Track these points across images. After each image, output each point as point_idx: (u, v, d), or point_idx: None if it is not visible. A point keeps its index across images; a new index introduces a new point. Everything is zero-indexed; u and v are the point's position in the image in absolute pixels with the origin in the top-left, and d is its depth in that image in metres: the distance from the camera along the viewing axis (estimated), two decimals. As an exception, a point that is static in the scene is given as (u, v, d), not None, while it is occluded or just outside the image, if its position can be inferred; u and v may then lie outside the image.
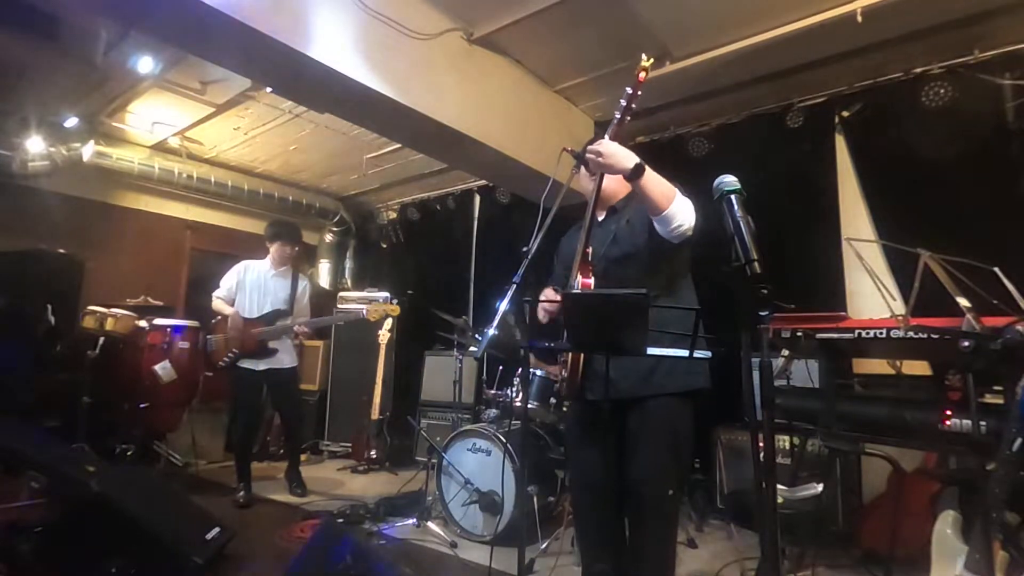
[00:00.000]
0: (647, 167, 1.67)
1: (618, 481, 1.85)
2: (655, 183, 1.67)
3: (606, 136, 1.74)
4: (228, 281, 3.84)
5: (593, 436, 1.92)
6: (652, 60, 1.68)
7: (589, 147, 1.72)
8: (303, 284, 4.00)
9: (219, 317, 3.78)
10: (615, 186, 1.92)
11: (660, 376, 1.81)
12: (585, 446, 1.95)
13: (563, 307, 1.65)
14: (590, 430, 1.94)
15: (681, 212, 1.67)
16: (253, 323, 3.71)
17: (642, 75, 1.68)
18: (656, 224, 1.71)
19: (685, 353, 1.48)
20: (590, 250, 1.85)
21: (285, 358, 3.78)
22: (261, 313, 3.75)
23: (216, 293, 3.84)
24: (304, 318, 3.91)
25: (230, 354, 3.65)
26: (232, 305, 3.77)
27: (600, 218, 1.98)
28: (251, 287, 3.82)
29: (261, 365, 3.68)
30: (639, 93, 1.71)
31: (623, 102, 1.72)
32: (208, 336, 3.81)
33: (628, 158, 1.67)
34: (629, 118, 1.76)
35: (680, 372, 1.81)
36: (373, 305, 3.78)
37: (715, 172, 1.38)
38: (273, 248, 3.88)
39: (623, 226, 1.90)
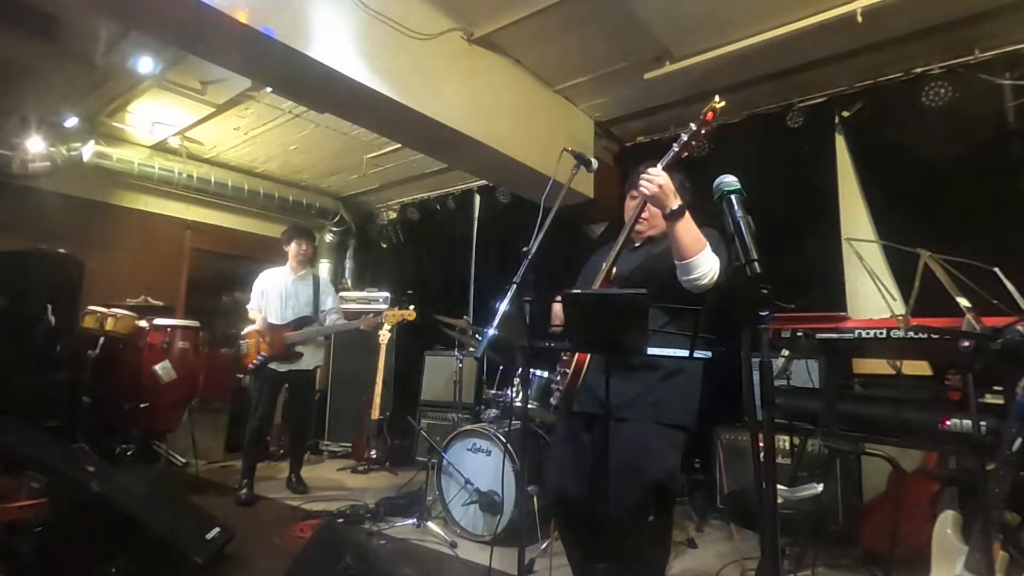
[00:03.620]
0: (687, 212, 1.70)
1: (595, 496, 1.84)
2: (688, 230, 1.71)
3: (659, 166, 1.74)
4: (255, 292, 3.98)
5: (573, 451, 1.95)
6: (723, 103, 1.66)
7: (645, 173, 1.73)
8: (323, 283, 4.14)
9: (251, 325, 3.90)
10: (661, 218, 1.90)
11: (647, 403, 1.82)
12: (564, 460, 1.98)
13: (564, 307, 1.66)
14: (572, 445, 1.96)
15: (704, 264, 1.71)
16: (280, 328, 3.84)
17: (710, 115, 1.67)
18: (678, 269, 1.74)
19: (685, 353, 1.48)
20: (615, 270, 1.88)
21: (309, 360, 3.91)
22: (287, 319, 3.89)
23: (249, 306, 3.99)
24: (336, 314, 4.08)
25: (259, 357, 3.77)
26: (261, 312, 3.92)
27: (636, 244, 2.01)
28: (275, 294, 3.96)
29: (284, 367, 3.81)
30: (703, 131, 1.71)
31: (684, 137, 1.72)
32: (240, 340, 3.93)
33: (675, 198, 1.70)
34: (686, 154, 1.77)
35: (668, 406, 1.83)
36: (391, 311, 3.85)
37: (715, 172, 1.38)
38: (292, 248, 4.01)
39: (653, 257, 1.92)
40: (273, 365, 3.79)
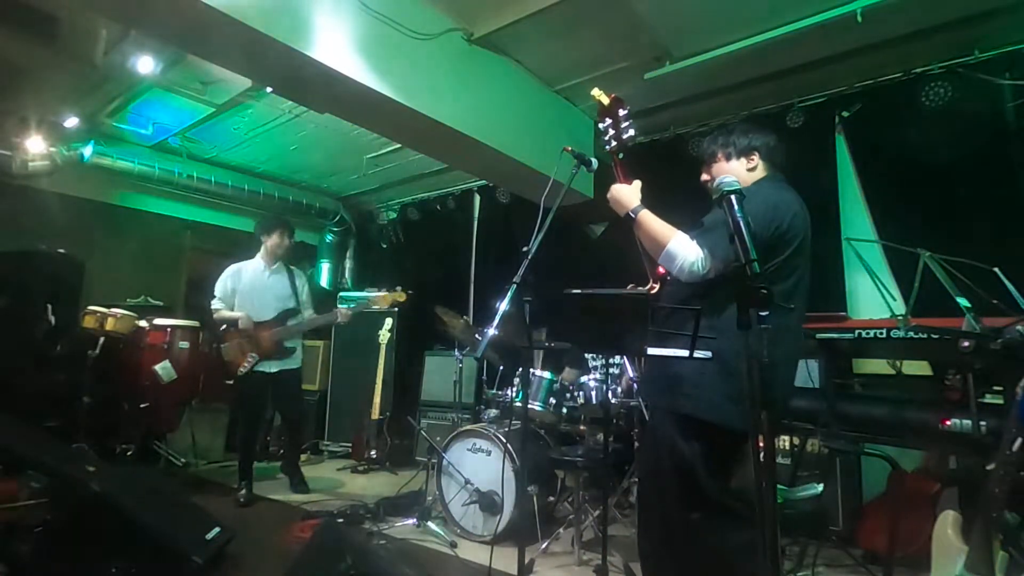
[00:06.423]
0: (640, 214, 1.76)
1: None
2: (646, 229, 1.75)
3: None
4: (222, 286, 3.77)
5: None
6: (598, 90, 1.75)
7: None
8: (298, 274, 3.93)
9: (226, 324, 3.69)
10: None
11: (661, 386, 1.71)
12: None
13: (564, 307, 1.66)
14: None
15: (679, 254, 1.64)
16: (265, 325, 3.67)
17: (601, 112, 1.76)
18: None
19: (686, 353, 1.48)
20: None
21: (298, 357, 3.81)
22: (271, 315, 3.70)
23: (214, 303, 3.76)
24: (310, 310, 3.92)
25: (250, 359, 3.59)
26: (232, 310, 3.72)
27: None
28: (250, 289, 3.76)
29: (274, 367, 3.67)
30: (609, 128, 1.84)
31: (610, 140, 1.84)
32: (221, 345, 3.69)
33: (625, 206, 1.78)
34: (621, 155, 1.89)
35: (681, 390, 1.64)
36: (380, 295, 3.82)
37: (715, 172, 1.38)
38: (269, 240, 3.81)
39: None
40: (262, 367, 3.62)
